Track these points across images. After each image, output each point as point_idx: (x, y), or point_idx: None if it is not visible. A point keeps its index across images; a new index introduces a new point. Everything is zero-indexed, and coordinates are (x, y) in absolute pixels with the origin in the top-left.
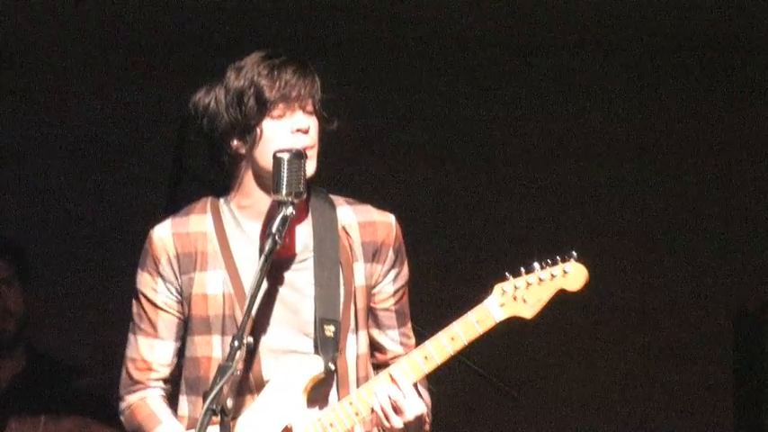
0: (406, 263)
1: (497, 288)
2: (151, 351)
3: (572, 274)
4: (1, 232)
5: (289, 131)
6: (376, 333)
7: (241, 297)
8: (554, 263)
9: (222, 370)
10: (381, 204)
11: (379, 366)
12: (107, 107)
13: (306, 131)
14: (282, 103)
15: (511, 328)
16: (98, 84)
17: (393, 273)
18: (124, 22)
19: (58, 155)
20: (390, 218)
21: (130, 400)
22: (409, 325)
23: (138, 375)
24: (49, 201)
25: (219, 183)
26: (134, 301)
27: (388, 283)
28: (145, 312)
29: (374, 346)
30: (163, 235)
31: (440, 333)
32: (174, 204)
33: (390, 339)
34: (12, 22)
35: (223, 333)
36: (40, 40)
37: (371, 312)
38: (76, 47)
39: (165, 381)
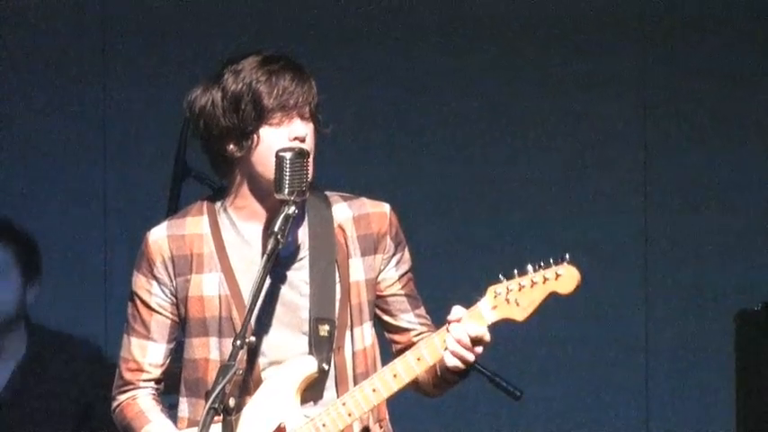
0: (406, 249)
1: (490, 290)
2: (143, 352)
3: (564, 277)
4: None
5: (286, 139)
6: (391, 320)
7: (237, 298)
8: (547, 265)
9: (225, 369)
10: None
11: (403, 351)
12: (108, 105)
13: (303, 139)
14: (281, 111)
15: (513, 328)
16: (99, 80)
17: (395, 259)
18: (125, 15)
19: (58, 152)
20: (384, 207)
21: (120, 399)
22: (423, 309)
23: (129, 376)
24: (51, 199)
25: (221, 183)
26: (129, 303)
27: (392, 269)
28: (139, 314)
29: (393, 333)
30: (158, 237)
31: (433, 335)
32: (177, 204)
33: (407, 321)
34: (11, 19)
35: (220, 335)
36: (38, 37)
37: (381, 302)
38: (76, 43)
39: (158, 381)
